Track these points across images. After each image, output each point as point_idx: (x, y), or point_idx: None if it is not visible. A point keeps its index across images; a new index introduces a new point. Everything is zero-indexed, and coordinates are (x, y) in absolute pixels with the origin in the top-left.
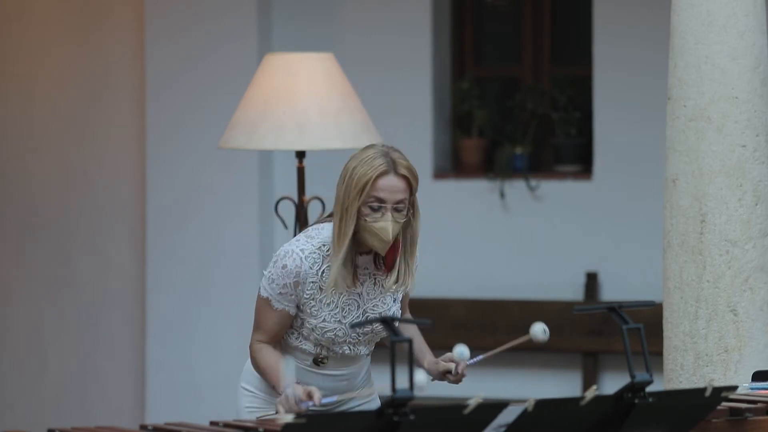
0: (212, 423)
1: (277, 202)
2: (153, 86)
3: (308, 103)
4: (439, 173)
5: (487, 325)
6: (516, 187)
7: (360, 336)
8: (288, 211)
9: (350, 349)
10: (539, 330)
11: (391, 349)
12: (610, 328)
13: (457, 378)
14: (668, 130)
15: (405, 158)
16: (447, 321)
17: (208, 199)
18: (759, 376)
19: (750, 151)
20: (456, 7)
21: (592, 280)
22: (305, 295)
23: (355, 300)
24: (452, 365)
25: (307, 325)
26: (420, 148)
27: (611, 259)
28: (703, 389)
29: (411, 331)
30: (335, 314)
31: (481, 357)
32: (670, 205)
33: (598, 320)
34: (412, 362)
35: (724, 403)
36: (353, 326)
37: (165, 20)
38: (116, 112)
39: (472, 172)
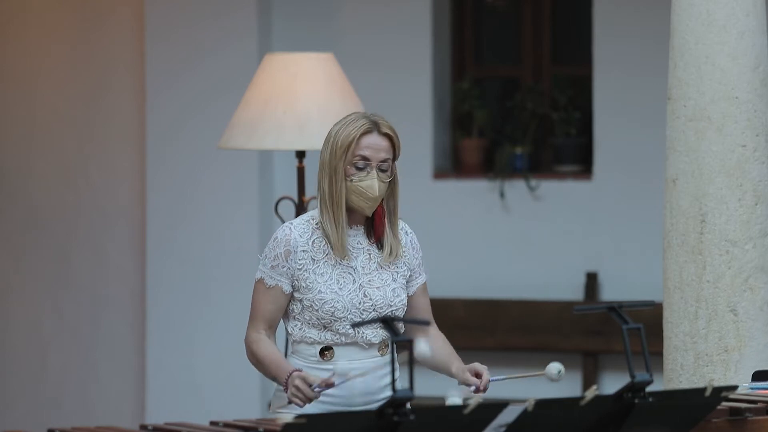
0: (212, 423)
1: (277, 202)
2: (153, 86)
3: (308, 103)
4: (439, 173)
5: (487, 325)
6: (516, 187)
7: (363, 313)
8: (288, 211)
9: (355, 331)
10: (554, 370)
11: (391, 348)
12: (610, 328)
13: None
14: (668, 130)
15: (387, 121)
16: (447, 321)
17: (208, 199)
18: (759, 376)
19: (750, 151)
20: (456, 7)
21: (592, 280)
22: (297, 266)
23: (350, 274)
24: (475, 380)
25: (306, 303)
26: (420, 148)
27: (611, 259)
28: (703, 389)
29: (439, 338)
30: (330, 285)
31: (502, 378)
32: (670, 205)
33: (598, 320)
34: (413, 363)
35: (724, 403)
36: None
37: (165, 20)
38: (116, 112)
39: (472, 172)
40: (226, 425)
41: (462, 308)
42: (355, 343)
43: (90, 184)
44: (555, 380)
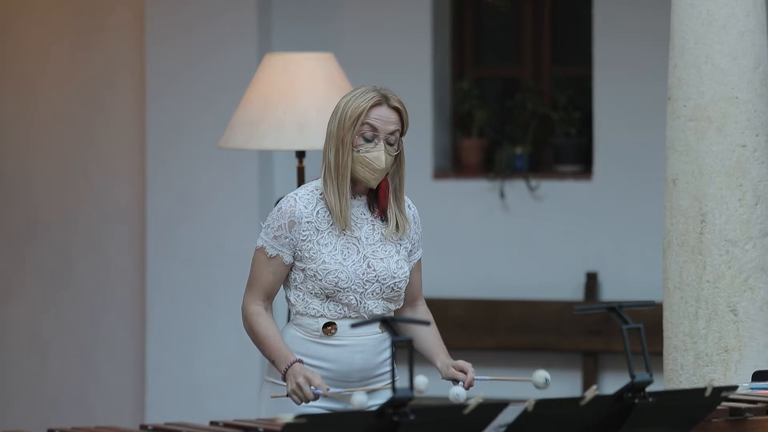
0: (212, 423)
1: (277, 202)
2: (153, 86)
3: (308, 103)
4: (439, 173)
5: (487, 325)
6: (516, 187)
7: (366, 284)
8: None
9: (357, 301)
10: (541, 378)
11: (391, 348)
12: (610, 328)
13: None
14: (668, 130)
15: (396, 95)
16: (447, 321)
17: (208, 199)
18: (759, 376)
19: (750, 151)
20: (456, 7)
21: (592, 280)
22: (301, 237)
23: (354, 244)
24: (461, 375)
25: (308, 273)
26: (420, 148)
27: (611, 259)
28: (703, 389)
29: (428, 327)
30: (335, 255)
31: (487, 378)
32: (670, 205)
33: (598, 320)
34: (413, 363)
35: (724, 403)
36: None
37: (165, 20)
38: (116, 112)
39: (472, 172)
40: (226, 425)
41: (462, 308)
42: (357, 316)
43: (90, 184)
44: (542, 388)
